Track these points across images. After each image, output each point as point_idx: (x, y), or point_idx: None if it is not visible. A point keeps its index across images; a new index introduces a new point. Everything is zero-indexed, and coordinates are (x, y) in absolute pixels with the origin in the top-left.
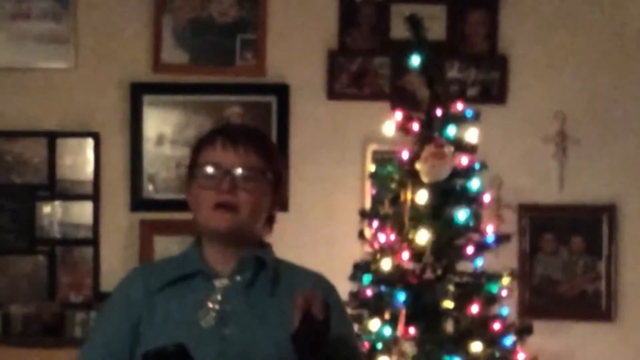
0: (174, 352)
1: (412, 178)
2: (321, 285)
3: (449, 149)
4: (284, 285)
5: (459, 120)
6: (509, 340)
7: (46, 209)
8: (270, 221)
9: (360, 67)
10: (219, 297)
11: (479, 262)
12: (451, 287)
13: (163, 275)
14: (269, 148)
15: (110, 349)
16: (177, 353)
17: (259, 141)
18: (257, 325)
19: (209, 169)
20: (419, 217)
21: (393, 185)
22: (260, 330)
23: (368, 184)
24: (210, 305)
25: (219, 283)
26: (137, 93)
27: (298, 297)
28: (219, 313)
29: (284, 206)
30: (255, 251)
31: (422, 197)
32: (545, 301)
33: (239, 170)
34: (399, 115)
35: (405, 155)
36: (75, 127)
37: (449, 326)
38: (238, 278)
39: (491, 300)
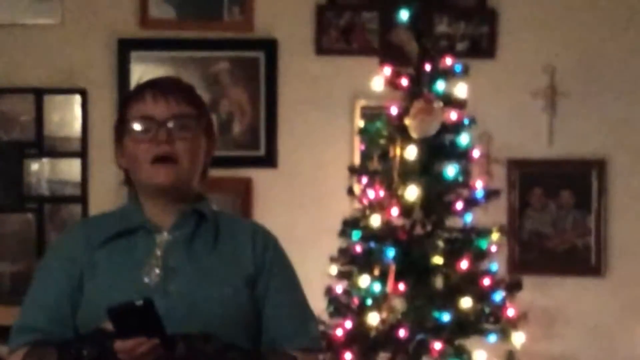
0: (140, 307)
1: (401, 133)
2: (259, 236)
3: (438, 104)
4: (225, 237)
5: (448, 75)
6: (498, 296)
7: (34, 166)
8: (203, 174)
9: (348, 21)
10: (160, 253)
11: (468, 218)
12: (440, 243)
13: (104, 230)
14: (197, 97)
15: (55, 309)
16: (144, 308)
17: (188, 91)
18: (201, 281)
19: (143, 123)
20: (408, 172)
21: (382, 141)
22: (205, 285)
23: (357, 139)
24: (154, 261)
25: (160, 238)
26: (125, 49)
27: None
28: (163, 269)
29: (273, 162)
30: (194, 204)
31: (411, 152)
32: (534, 256)
33: (173, 121)
34: (387, 70)
35: (394, 110)
36: (63, 84)
37: (439, 282)
38: (178, 232)
39: (480, 255)
